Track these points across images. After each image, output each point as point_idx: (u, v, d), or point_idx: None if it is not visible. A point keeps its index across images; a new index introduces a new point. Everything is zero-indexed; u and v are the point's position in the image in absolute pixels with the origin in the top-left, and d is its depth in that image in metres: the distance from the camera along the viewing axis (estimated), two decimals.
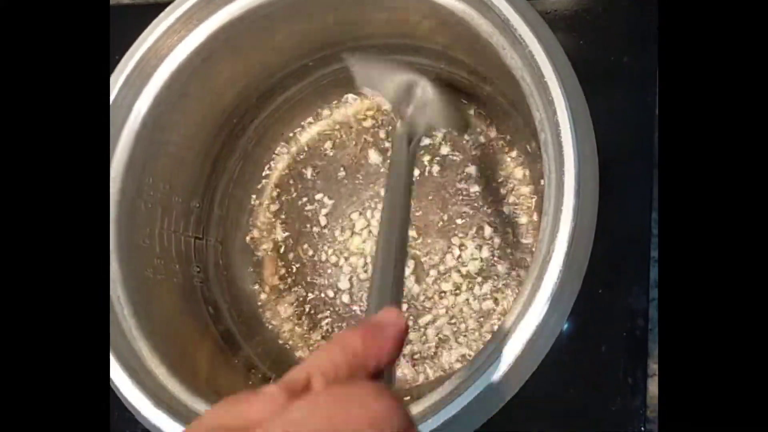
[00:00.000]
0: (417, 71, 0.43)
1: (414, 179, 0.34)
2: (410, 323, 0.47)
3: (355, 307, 0.49)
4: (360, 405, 0.20)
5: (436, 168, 0.49)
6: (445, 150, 0.50)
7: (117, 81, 0.42)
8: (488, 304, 0.47)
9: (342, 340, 0.23)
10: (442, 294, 0.47)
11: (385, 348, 0.24)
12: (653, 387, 0.44)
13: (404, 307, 0.48)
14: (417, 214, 0.49)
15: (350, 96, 0.53)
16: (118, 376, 0.36)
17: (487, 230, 0.47)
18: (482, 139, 0.49)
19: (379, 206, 0.50)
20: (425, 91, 0.42)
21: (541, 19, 0.36)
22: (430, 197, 0.49)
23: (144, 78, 0.43)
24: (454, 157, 0.50)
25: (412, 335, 0.47)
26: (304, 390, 0.22)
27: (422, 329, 0.47)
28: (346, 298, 0.49)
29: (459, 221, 0.48)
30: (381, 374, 0.24)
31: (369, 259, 0.49)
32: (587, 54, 0.49)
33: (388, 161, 0.38)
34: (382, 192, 0.50)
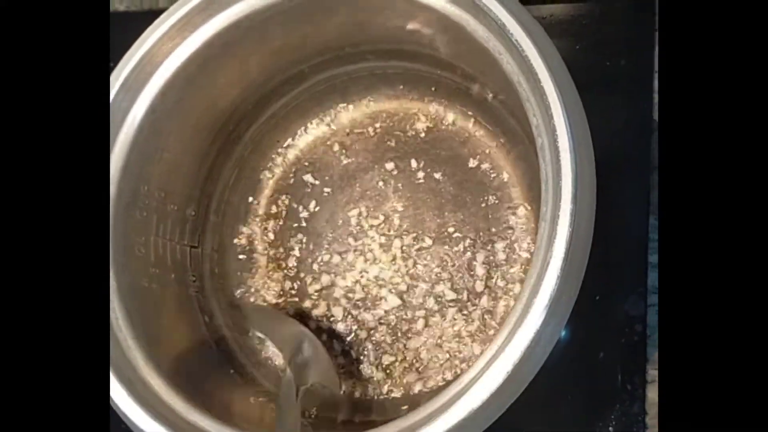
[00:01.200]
0: (303, 327, 0.47)
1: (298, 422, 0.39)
2: (405, 330, 0.47)
3: (349, 318, 0.49)
4: None
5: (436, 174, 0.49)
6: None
7: (113, 87, 0.41)
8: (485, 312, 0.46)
9: None
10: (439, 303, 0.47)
11: None
12: (652, 393, 0.43)
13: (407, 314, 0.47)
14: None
15: (347, 103, 0.53)
16: (113, 386, 0.36)
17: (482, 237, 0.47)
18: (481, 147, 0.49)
19: (377, 212, 0.50)
20: (310, 349, 0.45)
21: (537, 23, 0.36)
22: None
23: (140, 84, 0.42)
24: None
25: (411, 342, 0.47)
26: None
27: (418, 337, 0.47)
28: (341, 307, 0.49)
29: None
30: None
31: (367, 270, 0.49)
32: (584, 59, 0.49)
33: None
34: (380, 199, 0.50)
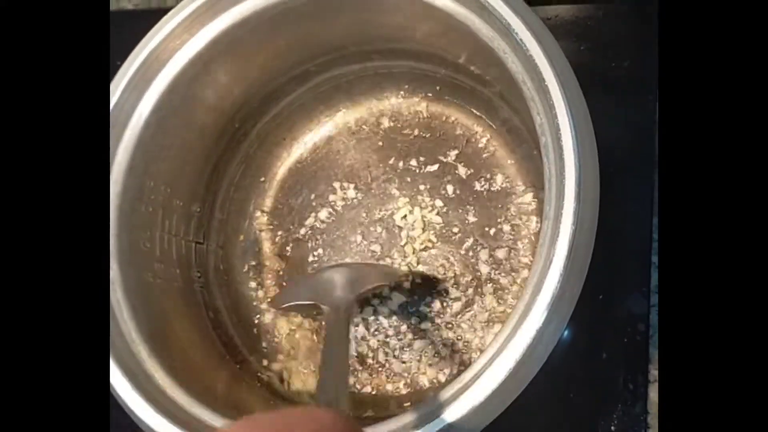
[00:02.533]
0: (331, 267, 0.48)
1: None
2: (411, 327, 0.47)
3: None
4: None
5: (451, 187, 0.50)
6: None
7: (119, 84, 0.42)
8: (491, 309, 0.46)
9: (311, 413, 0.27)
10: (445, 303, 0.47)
11: None
12: (654, 393, 0.43)
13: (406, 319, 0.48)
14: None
15: (352, 102, 0.53)
16: (117, 379, 0.36)
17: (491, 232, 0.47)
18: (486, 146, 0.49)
19: (381, 210, 0.50)
20: (342, 270, 0.45)
21: (542, 23, 0.36)
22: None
23: (146, 81, 0.43)
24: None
25: (416, 343, 0.47)
26: None
27: (423, 334, 0.47)
28: None
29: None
30: None
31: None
32: (588, 59, 0.49)
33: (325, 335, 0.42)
34: (384, 197, 0.50)
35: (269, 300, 0.51)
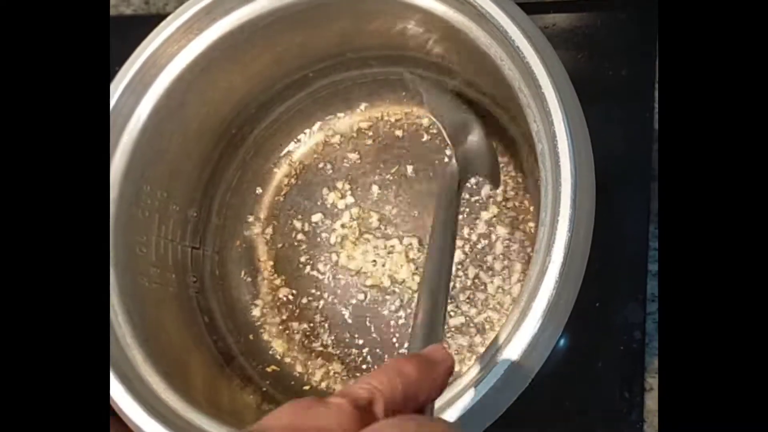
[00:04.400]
0: (474, 113, 0.43)
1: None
2: (405, 331, 0.47)
3: (350, 320, 0.49)
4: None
5: None
6: None
7: (117, 88, 0.42)
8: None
9: (399, 367, 0.24)
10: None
11: (437, 382, 0.24)
12: (650, 401, 0.43)
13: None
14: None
15: (349, 108, 0.53)
16: (111, 384, 0.36)
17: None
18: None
19: (377, 217, 0.50)
20: (479, 136, 0.42)
21: (539, 31, 0.36)
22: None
23: (144, 86, 0.43)
24: None
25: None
26: (367, 409, 0.22)
27: None
28: (344, 312, 0.49)
29: None
30: (424, 409, 0.25)
31: (366, 274, 0.49)
32: (586, 67, 0.49)
33: (437, 195, 0.39)
34: (380, 203, 0.50)
35: (409, 75, 0.47)
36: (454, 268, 0.44)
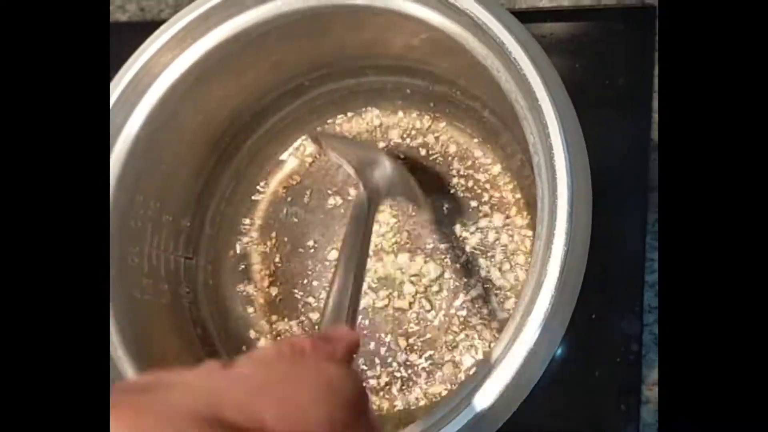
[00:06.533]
0: (381, 151, 0.47)
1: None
2: (400, 346, 0.47)
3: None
4: (316, 368, 0.22)
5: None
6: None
7: (111, 97, 0.41)
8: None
9: (291, 340, 0.25)
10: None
11: (335, 356, 0.25)
12: (646, 414, 0.43)
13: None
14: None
15: (344, 116, 0.53)
16: None
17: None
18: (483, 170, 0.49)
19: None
20: (390, 167, 0.45)
21: (536, 41, 0.36)
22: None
23: (137, 95, 0.42)
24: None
25: (411, 356, 0.46)
26: None
27: (411, 352, 0.47)
28: None
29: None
30: None
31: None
32: (583, 77, 0.49)
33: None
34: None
35: (317, 130, 0.51)
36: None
